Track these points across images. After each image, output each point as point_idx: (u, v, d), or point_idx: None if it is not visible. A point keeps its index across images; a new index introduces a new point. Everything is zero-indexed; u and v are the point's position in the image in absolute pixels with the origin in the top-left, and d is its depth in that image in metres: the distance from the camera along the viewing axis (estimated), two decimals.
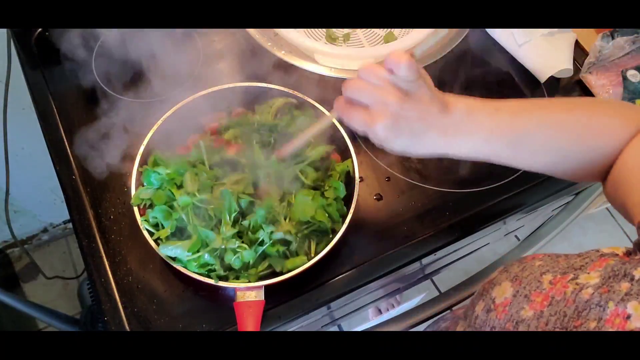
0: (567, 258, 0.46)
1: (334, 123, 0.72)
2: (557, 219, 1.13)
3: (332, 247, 0.67)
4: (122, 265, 0.73)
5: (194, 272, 0.66)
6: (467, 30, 0.86)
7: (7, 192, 1.09)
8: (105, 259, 0.73)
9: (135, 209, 0.69)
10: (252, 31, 0.82)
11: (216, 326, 0.70)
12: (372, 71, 0.53)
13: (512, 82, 0.93)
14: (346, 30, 0.94)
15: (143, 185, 0.71)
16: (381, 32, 0.95)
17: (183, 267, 0.66)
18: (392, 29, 0.94)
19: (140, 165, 0.72)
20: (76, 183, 0.78)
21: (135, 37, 0.80)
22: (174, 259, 0.67)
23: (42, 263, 1.66)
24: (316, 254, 0.68)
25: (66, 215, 1.01)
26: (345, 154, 0.75)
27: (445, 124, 0.54)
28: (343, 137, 0.75)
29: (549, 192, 0.83)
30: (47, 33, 0.91)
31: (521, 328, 0.43)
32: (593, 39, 0.90)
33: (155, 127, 0.74)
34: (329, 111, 0.75)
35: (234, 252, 0.66)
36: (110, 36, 0.87)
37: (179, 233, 0.69)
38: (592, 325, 0.38)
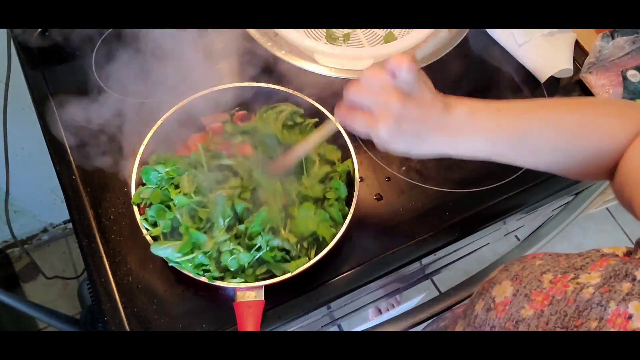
0: (567, 257, 0.46)
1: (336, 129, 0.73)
2: (557, 219, 1.13)
3: (332, 247, 0.67)
4: (122, 265, 0.73)
5: (190, 272, 0.66)
6: (467, 30, 0.86)
7: (7, 192, 1.09)
8: (105, 259, 0.73)
9: (135, 209, 0.69)
10: (252, 31, 0.82)
11: (216, 326, 0.70)
12: (374, 75, 0.53)
13: (512, 82, 0.93)
14: (346, 30, 0.94)
15: (143, 185, 0.71)
16: (381, 32, 0.95)
17: (180, 267, 0.66)
18: (392, 29, 0.94)
19: (140, 165, 0.72)
20: (76, 183, 0.78)
21: (135, 37, 0.80)
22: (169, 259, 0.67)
23: (42, 263, 1.66)
24: (316, 255, 0.68)
25: (66, 215, 1.01)
26: (345, 154, 0.75)
27: (447, 125, 0.54)
28: (343, 137, 0.75)
29: (549, 192, 0.83)
30: (47, 33, 0.91)
31: (521, 327, 0.43)
32: (593, 39, 0.90)
33: (155, 127, 0.74)
34: (329, 115, 0.75)
35: (231, 253, 0.66)
36: (110, 36, 0.87)
37: (177, 234, 0.68)
38: (593, 325, 0.38)
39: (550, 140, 0.54)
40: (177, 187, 0.70)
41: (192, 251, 0.66)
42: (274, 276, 0.67)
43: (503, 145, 0.55)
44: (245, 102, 0.79)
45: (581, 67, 0.92)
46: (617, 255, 0.43)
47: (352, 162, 0.73)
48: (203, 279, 0.66)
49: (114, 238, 0.75)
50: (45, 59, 0.89)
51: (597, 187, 1.00)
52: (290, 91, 0.77)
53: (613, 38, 0.86)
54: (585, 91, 0.91)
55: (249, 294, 0.67)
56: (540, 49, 0.90)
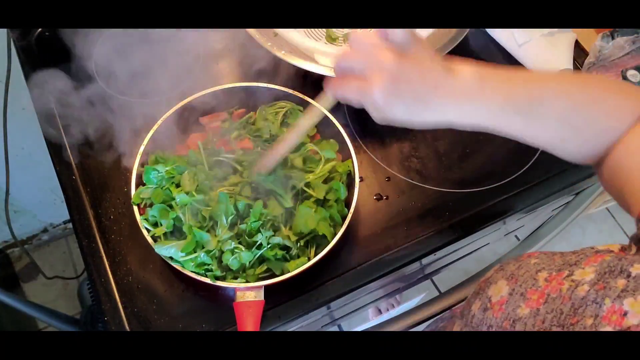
0: (562, 255, 0.46)
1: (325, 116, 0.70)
2: (557, 219, 1.13)
3: (332, 247, 0.67)
4: (122, 265, 0.73)
5: (191, 271, 0.66)
6: (467, 30, 0.86)
7: (7, 192, 1.09)
8: (105, 259, 0.73)
9: (135, 208, 0.69)
10: (252, 31, 0.82)
11: (216, 326, 0.70)
12: (364, 36, 0.49)
13: None
14: (346, 30, 0.94)
15: (143, 185, 0.71)
16: None
17: (182, 267, 0.66)
18: None
19: (141, 165, 0.72)
20: (76, 183, 0.78)
21: (135, 37, 0.80)
22: (172, 258, 0.67)
23: (42, 263, 1.66)
24: (316, 255, 0.68)
25: (66, 215, 1.01)
26: (345, 154, 0.75)
27: (453, 87, 0.49)
28: (343, 137, 0.75)
29: (549, 192, 0.83)
30: (47, 33, 0.91)
31: (518, 326, 0.43)
32: (593, 39, 0.90)
33: (155, 127, 0.74)
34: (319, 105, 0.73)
35: (232, 252, 0.66)
36: (110, 36, 0.87)
37: (178, 233, 0.69)
38: (588, 323, 0.38)
39: (561, 112, 0.50)
40: (177, 185, 0.70)
41: (195, 250, 0.66)
42: (274, 276, 0.67)
43: (515, 114, 0.50)
44: (245, 102, 0.79)
45: (581, 67, 0.92)
46: (612, 252, 0.43)
47: (352, 162, 0.73)
48: (204, 279, 0.66)
49: (114, 238, 0.75)
50: (45, 59, 0.89)
51: (597, 187, 1.00)
52: (290, 91, 0.78)
53: (613, 38, 0.86)
54: None
55: (248, 294, 0.67)
56: (540, 49, 0.90)
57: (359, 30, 0.51)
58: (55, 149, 0.81)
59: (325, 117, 0.76)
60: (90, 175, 0.79)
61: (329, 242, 0.68)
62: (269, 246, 0.67)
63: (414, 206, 0.80)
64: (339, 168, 0.74)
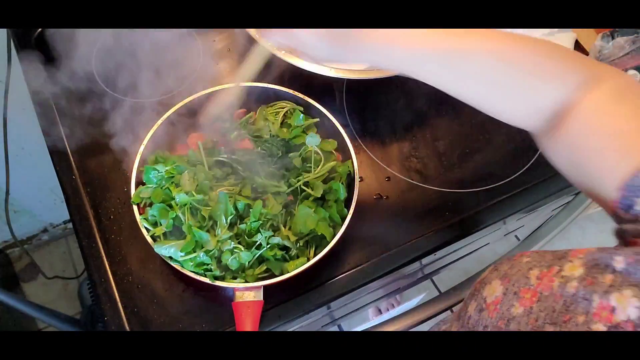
0: (553, 253, 0.46)
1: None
2: (557, 219, 1.13)
3: (332, 248, 0.67)
4: (122, 265, 0.73)
5: (191, 271, 0.66)
6: None
7: (7, 192, 1.09)
8: (105, 259, 0.73)
9: (135, 208, 0.69)
10: (252, 31, 0.82)
11: (216, 326, 0.70)
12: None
13: None
14: None
15: (143, 185, 0.71)
16: None
17: (181, 266, 0.66)
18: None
19: (140, 165, 0.72)
20: (76, 183, 0.79)
21: (135, 37, 0.80)
22: (171, 258, 0.67)
23: (42, 263, 1.66)
24: (315, 255, 0.68)
25: (66, 215, 1.01)
26: (345, 154, 0.75)
27: (377, 33, 0.51)
28: (343, 137, 0.75)
29: (549, 192, 0.83)
30: (47, 33, 0.91)
31: (512, 325, 0.43)
32: (593, 39, 0.90)
33: (155, 127, 0.74)
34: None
35: (231, 252, 0.66)
36: (110, 36, 0.87)
37: (177, 232, 0.69)
38: (580, 320, 0.38)
39: (489, 70, 0.50)
40: (177, 185, 0.70)
41: (194, 250, 0.66)
42: (274, 276, 0.67)
43: (438, 66, 0.51)
44: (245, 102, 0.79)
45: None
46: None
47: (352, 162, 0.73)
48: (204, 278, 0.66)
49: (114, 238, 0.75)
50: (45, 59, 0.89)
51: None
52: (290, 91, 0.78)
53: (613, 38, 0.86)
54: None
55: (247, 294, 0.67)
56: None
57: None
58: (55, 149, 0.81)
59: (326, 117, 0.76)
60: (90, 175, 0.79)
61: (328, 243, 0.68)
62: (268, 246, 0.67)
63: (414, 206, 0.80)
64: (339, 168, 0.74)
